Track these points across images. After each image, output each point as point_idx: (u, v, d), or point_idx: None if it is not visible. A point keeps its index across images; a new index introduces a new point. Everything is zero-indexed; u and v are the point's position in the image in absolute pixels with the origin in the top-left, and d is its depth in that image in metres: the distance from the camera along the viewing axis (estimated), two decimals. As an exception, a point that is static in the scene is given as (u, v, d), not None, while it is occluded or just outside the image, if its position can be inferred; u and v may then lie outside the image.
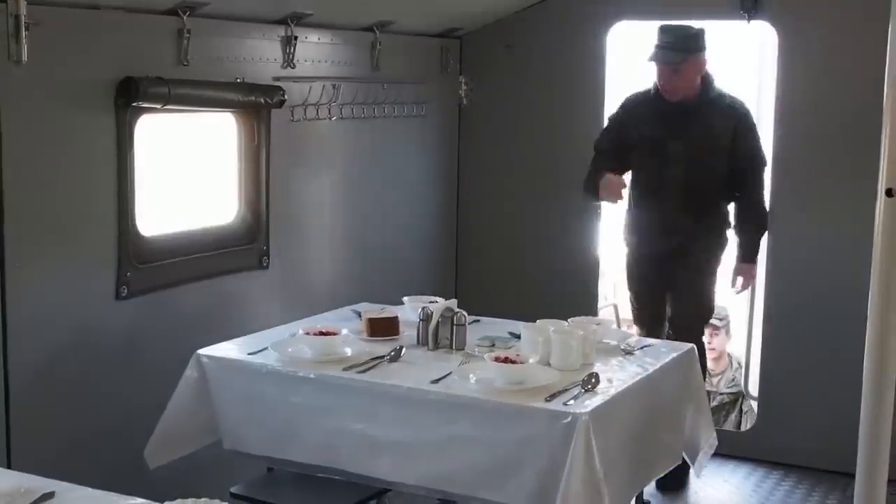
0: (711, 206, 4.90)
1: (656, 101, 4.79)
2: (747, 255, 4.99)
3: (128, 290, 3.77)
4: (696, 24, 4.74)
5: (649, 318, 4.99)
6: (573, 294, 4.90)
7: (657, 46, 4.68)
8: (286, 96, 4.31)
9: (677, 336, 4.58)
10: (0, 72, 3.24)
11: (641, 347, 3.70)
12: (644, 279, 5.01)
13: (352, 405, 3.30)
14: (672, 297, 4.98)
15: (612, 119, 5.01)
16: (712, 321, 5.43)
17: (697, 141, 4.77)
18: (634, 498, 3.61)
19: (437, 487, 3.24)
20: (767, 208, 4.98)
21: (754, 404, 5.50)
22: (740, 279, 5.00)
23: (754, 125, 4.88)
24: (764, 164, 4.93)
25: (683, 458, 3.79)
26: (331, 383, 3.33)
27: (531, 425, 3.05)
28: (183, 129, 4.21)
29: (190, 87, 3.87)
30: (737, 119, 4.80)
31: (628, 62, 5.51)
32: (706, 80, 4.77)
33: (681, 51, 4.64)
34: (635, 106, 4.91)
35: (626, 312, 5.45)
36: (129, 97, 3.64)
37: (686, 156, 4.77)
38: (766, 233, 5.02)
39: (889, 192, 3.36)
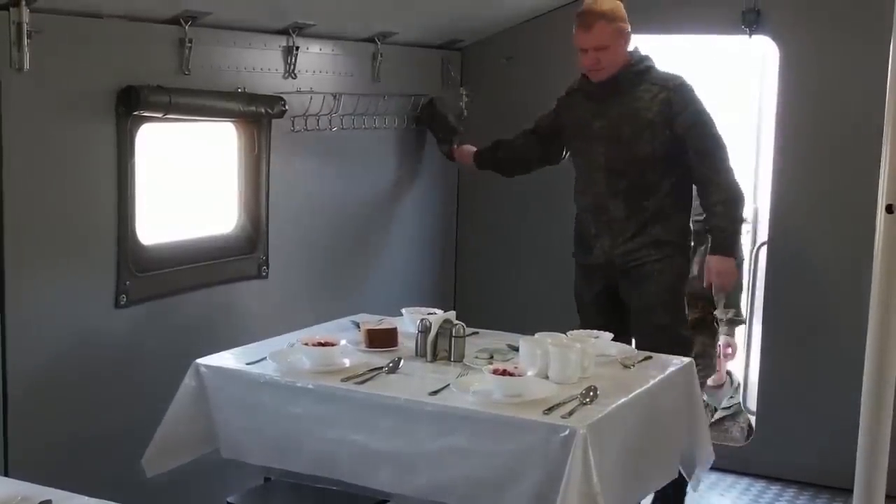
0: (649, 188, 4.41)
1: (585, 83, 4.56)
2: (717, 246, 4.41)
3: (127, 299, 3.77)
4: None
5: None
6: (572, 307, 4.88)
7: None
8: (287, 106, 4.32)
9: None
10: (2, 79, 3.25)
11: (640, 361, 3.70)
12: (591, 302, 4.62)
13: (350, 416, 3.29)
14: (632, 327, 4.46)
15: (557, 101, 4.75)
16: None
17: (622, 119, 4.39)
18: (632, 511, 3.61)
19: (434, 499, 3.23)
20: (740, 192, 4.41)
21: (752, 419, 5.49)
22: (712, 277, 4.42)
23: (693, 99, 4.37)
24: (716, 140, 4.35)
25: (679, 473, 3.78)
26: (329, 394, 3.33)
27: (529, 438, 3.04)
28: (184, 139, 4.22)
29: (191, 97, 3.88)
30: (669, 91, 4.35)
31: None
32: (632, 56, 4.43)
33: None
34: (571, 92, 4.66)
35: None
36: (130, 106, 3.64)
37: (608, 135, 4.40)
38: (741, 220, 4.55)
39: (889, 209, 3.37)
